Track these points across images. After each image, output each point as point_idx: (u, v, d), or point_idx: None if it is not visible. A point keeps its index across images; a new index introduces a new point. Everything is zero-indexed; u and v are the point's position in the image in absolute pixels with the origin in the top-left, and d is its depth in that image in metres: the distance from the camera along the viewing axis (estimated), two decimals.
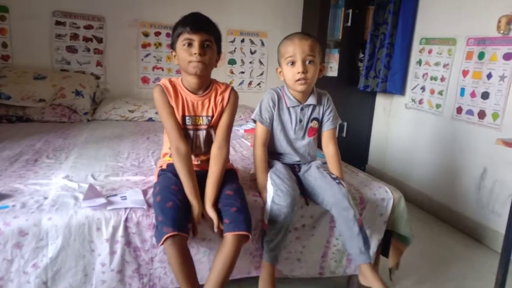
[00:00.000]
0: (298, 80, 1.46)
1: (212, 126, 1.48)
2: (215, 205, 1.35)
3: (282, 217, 1.38)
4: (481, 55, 2.43)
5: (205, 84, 1.46)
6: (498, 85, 2.31)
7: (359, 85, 3.26)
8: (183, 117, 1.44)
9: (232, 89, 1.51)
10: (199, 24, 1.35)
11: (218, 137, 1.46)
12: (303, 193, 1.53)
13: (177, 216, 1.24)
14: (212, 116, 1.47)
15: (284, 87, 1.59)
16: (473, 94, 2.49)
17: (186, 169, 1.35)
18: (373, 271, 1.42)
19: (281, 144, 1.59)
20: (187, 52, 1.35)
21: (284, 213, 1.37)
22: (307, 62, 1.45)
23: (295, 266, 1.57)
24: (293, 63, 1.46)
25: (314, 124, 1.59)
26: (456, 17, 2.65)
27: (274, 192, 1.41)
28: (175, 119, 1.41)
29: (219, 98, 1.47)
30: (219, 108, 1.47)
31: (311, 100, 1.56)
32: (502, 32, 2.27)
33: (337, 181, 1.49)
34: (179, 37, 1.36)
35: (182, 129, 1.44)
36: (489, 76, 2.37)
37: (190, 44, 1.35)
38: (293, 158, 1.62)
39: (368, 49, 3.16)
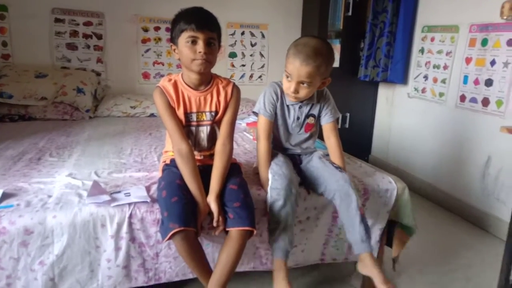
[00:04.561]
0: (289, 94, 1.47)
1: (216, 122, 1.48)
2: (220, 199, 1.35)
3: (281, 201, 1.36)
4: (484, 42, 2.40)
5: (207, 79, 1.45)
6: (502, 72, 2.29)
7: (359, 75, 3.23)
8: (186, 114, 1.43)
9: (234, 84, 1.50)
10: (204, 22, 1.34)
11: (222, 133, 1.46)
12: (305, 185, 1.53)
13: (183, 211, 1.24)
14: (216, 112, 1.47)
15: None
16: (476, 82, 2.46)
17: (189, 169, 1.35)
18: (373, 260, 1.40)
19: (282, 138, 1.59)
20: (191, 50, 1.33)
21: (283, 195, 1.36)
22: (302, 84, 1.43)
23: (299, 257, 1.58)
24: (289, 77, 1.44)
25: (310, 120, 1.59)
26: (458, 4, 2.61)
27: (272, 178, 1.41)
28: (176, 120, 1.40)
29: (222, 94, 1.46)
30: (223, 104, 1.46)
31: (310, 99, 1.55)
32: (505, 18, 2.23)
33: (339, 169, 1.49)
34: (182, 33, 1.33)
35: (185, 126, 1.44)
36: (493, 63, 2.35)
37: (194, 42, 1.33)
38: (294, 151, 1.62)
39: (367, 38, 3.13)
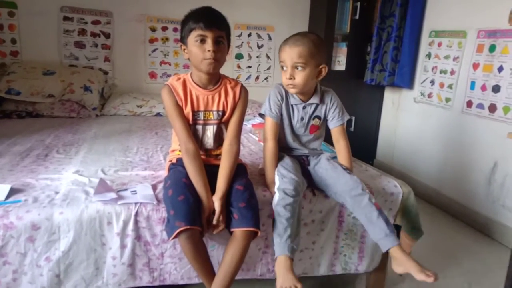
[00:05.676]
0: (288, 85, 1.48)
1: (224, 122, 1.48)
2: (226, 199, 1.35)
3: (289, 200, 1.34)
4: (492, 48, 2.40)
5: (215, 79, 1.46)
6: (510, 78, 2.28)
7: (365, 79, 3.23)
8: (194, 112, 1.44)
9: (243, 85, 1.51)
10: (213, 20, 1.34)
11: (229, 133, 1.46)
12: (312, 186, 1.53)
13: (189, 209, 1.24)
14: (223, 111, 1.47)
15: None
16: (483, 88, 2.46)
17: (196, 167, 1.35)
18: (404, 253, 1.32)
19: (288, 138, 1.60)
20: (200, 49, 1.34)
21: (291, 195, 1.35)
22: (296, 68, 1.44)
23: (307, 264, 1.56)
24: (284, 68, 1.47)
25: (315, 121, 1.59)
26: (466, 9, 2.61)
27: (280, 180, 1.41)
28: (184, 120, 1.41)
29: (230, 94, 1.46)
30: (230, 104, 1.46)
31: (314, 99, 1.55)
32: None
33: (348, 171, 1.49)
34: (191, 32, 1.35)
35: (192, 124, 1.45)
36: (500, 69, 2.34)
37: (203, 41, 1.34)
38: (301, 151, 1.62)
39: (374, 42, 3.13)
